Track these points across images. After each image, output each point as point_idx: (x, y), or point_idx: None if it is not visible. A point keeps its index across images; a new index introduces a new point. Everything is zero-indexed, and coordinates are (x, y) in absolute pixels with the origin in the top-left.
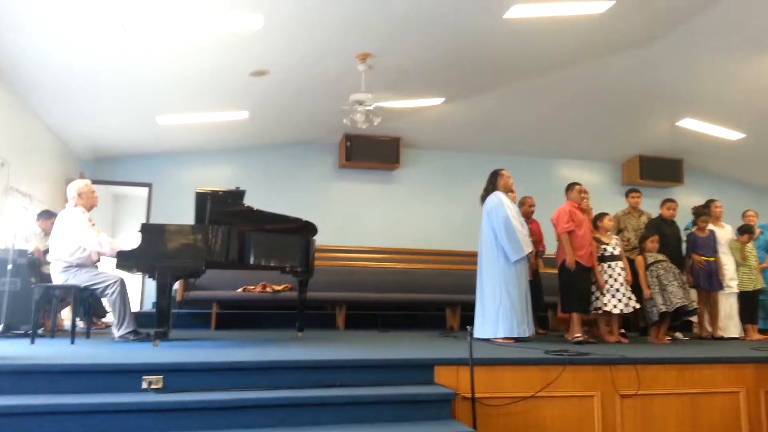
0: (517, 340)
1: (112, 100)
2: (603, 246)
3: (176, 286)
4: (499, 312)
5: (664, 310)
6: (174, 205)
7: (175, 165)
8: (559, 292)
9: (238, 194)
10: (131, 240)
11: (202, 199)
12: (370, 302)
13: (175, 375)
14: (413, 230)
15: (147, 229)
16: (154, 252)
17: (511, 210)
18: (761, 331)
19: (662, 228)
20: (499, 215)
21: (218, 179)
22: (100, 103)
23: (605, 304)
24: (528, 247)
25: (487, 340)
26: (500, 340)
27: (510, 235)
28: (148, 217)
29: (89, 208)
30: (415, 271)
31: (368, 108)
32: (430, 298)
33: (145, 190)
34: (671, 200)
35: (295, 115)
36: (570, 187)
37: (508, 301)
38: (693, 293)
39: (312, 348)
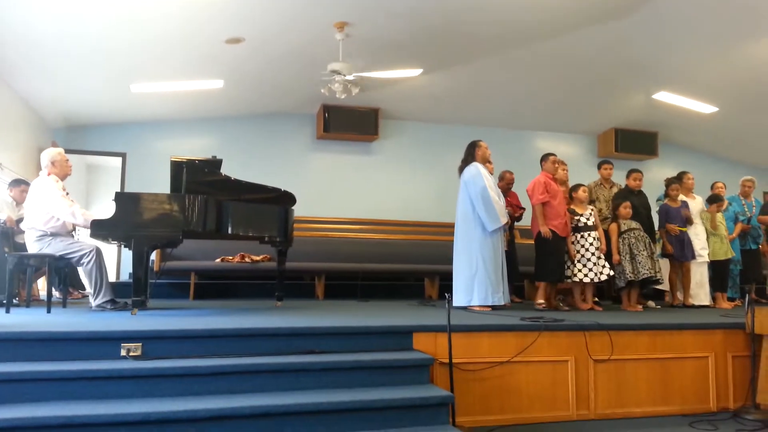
0: (493, 308)
1: (85, 66)
2: (577, 217)
3: (153, 256)
4: (474, 280)
5: (631, 278)
6: (149, 176)
7: (150, 134)
8: (535, 262)
9: (214, 163)
10: (106, 211)
11: (177, 168)
12: (349, 272)
13: (154, 342)
14: (392, 201)
15: (121, 198)
16: (129, 221)
17: (489, 181)
18: (730, 299)
19: (629, 198)
20: (476, 185)
21: (194, 149)
22: (71, 70)
23: (576, 274)
24: (504, 218)
25: (465, 308)
26: (477, 308)
27: (487, 205)
28: (122, 188)
29: (63, 177)
30: (394, 241)
31: (346, 78)
32: (408, 268)
33: (119, 160)
34: (637, 170)
35: (271, 85)
36: (545, 157)
37: (484, 270)
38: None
39: (291, 316)
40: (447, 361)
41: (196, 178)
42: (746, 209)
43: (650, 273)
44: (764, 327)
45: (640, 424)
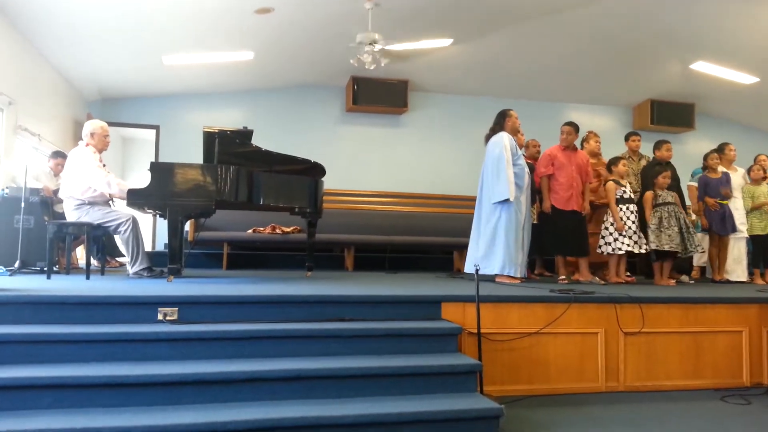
0: (522, 280)
1: (118, 39)
2: (622, 189)
3: (187, 227)
4: (492, 250)
5: (655, 247)
6: (182, 148)
7: (182, 107)
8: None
9: (245, 134)
10: (140, 182)
11: (210, 138)
12: (378, 245)
13: (190, 307)
14: (421, 174)
15: (156, 168)
16: (163, 190)
17: (509, 152)
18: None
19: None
20: (493, 154)
21: (226, 121)
22: (105, 43)
23: (612, 244)
24: (510, 195)
25: (493, 279)
26: (506, 280)
27: (499, 176)
28: (156, 159)
29: (101, 149)
30: (422, 214)
31: (375, 48)
32: (437, 241)
33: (152, 133)
34: (666, 141)
35: (300, 56)
36: (565, 126)
37: (504, 239)
38: (703, 239)
39: (321, 286)
40: (475, 331)
41: (228, 148)
42: None
43: (674, 247)
44: None
45: (670, 397)
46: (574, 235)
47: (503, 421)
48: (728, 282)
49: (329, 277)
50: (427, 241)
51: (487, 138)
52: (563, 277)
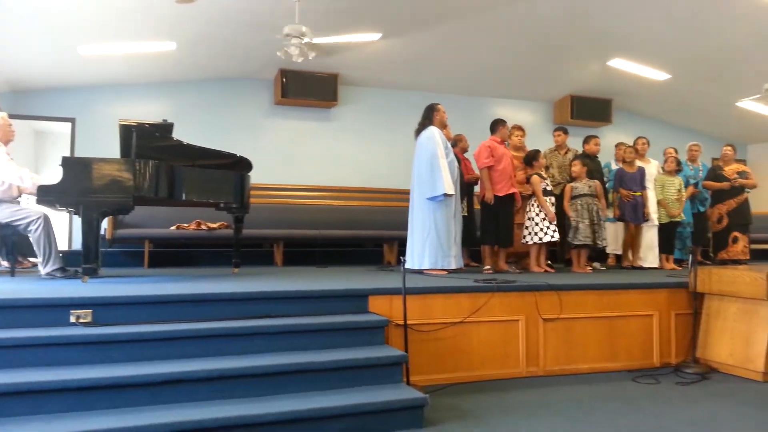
0: (449, 271)
1: (29, 27)
2: (546, 181)
3: (105, 224)
4: (426, 244)
5: (570, 242)
6: (100, 142)
7: (100, 99)
8: (480, 226)
9: (165, 127)
10: (54, 177)
11: (126, 132)
12: (308, 239)
13: (105, 309)
14: (351, 168)
15: (68, 163)
16: (77, 187)
17: (441, 148)
18: (677, 261)
19: (586, 163)
20: (427, 150)
21: (147, 114)
22: (13, 31)
23: (532, 236)
24: (449, 189)
25: (420, 271)
26: (432, 272)
27: (434, 172)
28: (72, 154)
29: (6, 142)
30: (353, 208)
31: (303, 41)
32: (368, 234)
33: (68, 126)
34: (595, 136)
35: (226, 48)
36: (496, 123)
37: (435, 233)
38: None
39: (247, 282)
40: (402, 322)
41: (147, 142)
42: (693, 174)
43: (586, 241)
44: (706, 286)
45: (586, 379)
46: (508, 225)
47: (428, 409)
48: (641, 268)
49: (257, 273)
50: (358, 234)
51: (417, 132)
52: (488, 267)
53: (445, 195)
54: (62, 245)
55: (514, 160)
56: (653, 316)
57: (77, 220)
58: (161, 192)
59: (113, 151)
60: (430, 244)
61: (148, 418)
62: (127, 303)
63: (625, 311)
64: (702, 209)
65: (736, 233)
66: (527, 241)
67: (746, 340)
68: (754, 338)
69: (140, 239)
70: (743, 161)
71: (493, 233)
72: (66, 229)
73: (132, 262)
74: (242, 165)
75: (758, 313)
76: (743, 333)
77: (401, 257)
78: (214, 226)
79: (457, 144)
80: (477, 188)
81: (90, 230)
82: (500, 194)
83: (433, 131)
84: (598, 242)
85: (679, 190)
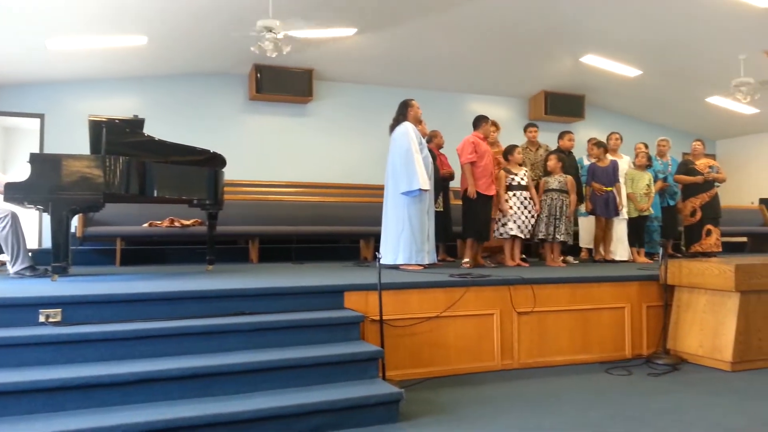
0: (425, 266)
1: None
2: (511, 176)
3: (75, 221)
4: (400, 239)
5: (542, 237)
6: (70, 138)
7: (70, 94)
8: (462, 221)
9: (136, 123)
10: (23, 175)
11: (96, 127)
12: (284, 235)
13: (75, 308)
14: (327, 164)
15: (37, 160)
16: (45, 184)
17: (416, 143)
18: (648, 255)
19: (561, 158)
20: (402, 146)
21: (118, 110)
22: None
23: (506, 230)
24: (424, 185)
25: (396, 267)
26: (409, 267)
27: (408, 167)
28: (41, 151)
29: None
30: (329, 204)
31: (277, 36)
32: (344, 230)
33: (36, 122)
34: (570, 132)
35: (198, 43)
36: (479, 120)
37: (410, 229)
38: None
39: (221, 279)
40: (378, 318)
41: (117, 138)
42: (662, 168)
43: (542, 236)
44: (676, 278)
45: (560, 371)
46: (487, 221)
47: (403, 404)
48: (613, 261)
49: (232, 270)
50: (334, 230)
51: (392, 128)
52: (467, 260)
53: (420, 190)
54: (32, 243)
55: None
56: (625, 309)
57: (47, 218)
58: (132, 189)
59: (83, 145)
60: (404, 239)
61: (120, 418)
62: (98, 302)
63: (598, 304)
64: (672, 203)
65: (709, 226)
66: (497, 235)
67: (715, 330)
68: (722, 329)
69: (112, 237)
70: (712, 156)
71: (475, 228)
72: (36, 227)
73: (103, 260)
74: (216, 161)
75: (726, 305)
76: (712, 324)
77: (377, 253)
78: (188, 223)
79: (432, 140)
80: (455, 183)
81: (59, 228)
82: (481, 190)
83: (407, 127)
84: (557, 237)
85: (649, 185)
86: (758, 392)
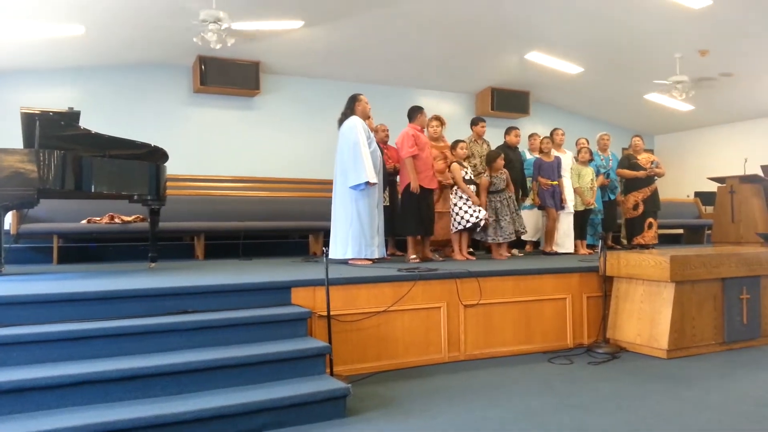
0: (374, 261)
1: None
2: (464, 170)
3: (9, 218)
4: (349, 234)
5: (493, 240)
6: (1, 132)
7: (1, 86)
8: (400, 215)
9: (71, 116)
10: None
11: (29, 120)
12: (231, 231)
13: (7, 308)
14: (275, 158)
15: None
16: None
17: (364, 137)
18: (590, 246)
19: (507, 153)
20: (350, 139)
21: (53, 102)
22: None
23: (462, 218)
24: (372, 178)
25: (346, 261)
26: (358, 262)
27: (356, 161)
28: None
29: None
30: (277, 199)
31: (221, 27)
32: (292, 225)
33: None
34: (516, 128)
35: (139, 33)
36: (414, 111)
37: (359, 223)
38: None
39: (164, 277)
40: (325, 313)
41: (52, 132)
42: (604, 163)
43: (511, 237)
44: (614, 269)
45: (505, 362)
46: (431, 215)
47: (350, 399)
48: (556, 254)
49: (176, 267)
50: (283, 225)
51: (340, 122)
52: (414, 256)
53: (368, 184)
54: None
55: (433, 150)
56: (566, 300)
57: None
58: (68, 184)
59: (16, 140)
60: (353, 233)
61: (57, 421)
62: (32, 302)
63: (540, 295)
64: (612, 197)
65: (650, 219)
66: (456, 229)
67: (651, 320)
68: (658, 318)
69: (48, 234)
70: (651, 151)
71: (418, 223)
72: None
73: (40, 259)
74: (158, 155)
75: (662, 295)
76: (649, 313)
77: (324, 248)
78: (129, 219)
79: (379, 134)
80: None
81: None
82: (423, 184)
83: (355, 121)
84: (519, 232)
85: (592, 179)
86: (692, 379)
